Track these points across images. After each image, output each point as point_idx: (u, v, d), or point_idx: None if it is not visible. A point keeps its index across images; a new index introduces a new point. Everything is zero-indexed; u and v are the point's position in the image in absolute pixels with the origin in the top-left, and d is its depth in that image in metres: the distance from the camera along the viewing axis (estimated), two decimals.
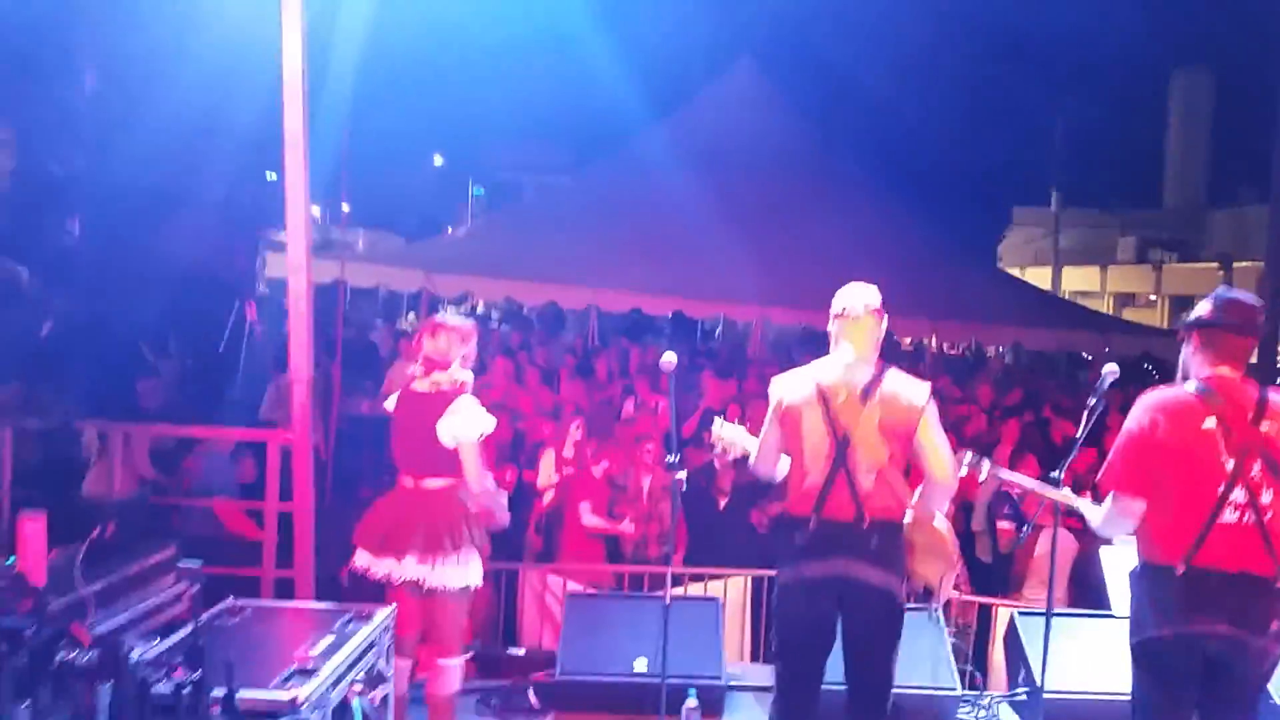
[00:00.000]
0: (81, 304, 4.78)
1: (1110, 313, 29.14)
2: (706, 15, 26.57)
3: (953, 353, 19.78)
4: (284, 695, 2.83)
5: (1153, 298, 34.39)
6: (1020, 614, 4.96)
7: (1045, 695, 4.24)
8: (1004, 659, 5.13)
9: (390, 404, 4.17)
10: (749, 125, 15.13)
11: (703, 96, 17.17)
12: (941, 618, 4.85)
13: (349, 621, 3.49)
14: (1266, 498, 3.15)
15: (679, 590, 5.57)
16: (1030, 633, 4.66)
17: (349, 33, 5.44)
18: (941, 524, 3.74)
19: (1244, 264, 24.04)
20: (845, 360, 3.65)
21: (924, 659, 4.58)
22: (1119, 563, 4.31)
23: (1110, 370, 3.86)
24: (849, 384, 3.59)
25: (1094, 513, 3.51)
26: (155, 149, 4.90)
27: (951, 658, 4.76)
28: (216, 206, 6.32)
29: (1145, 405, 3.30)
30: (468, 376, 4.08)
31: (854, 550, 3.53)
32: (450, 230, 31.02)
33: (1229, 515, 3.14)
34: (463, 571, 3.97)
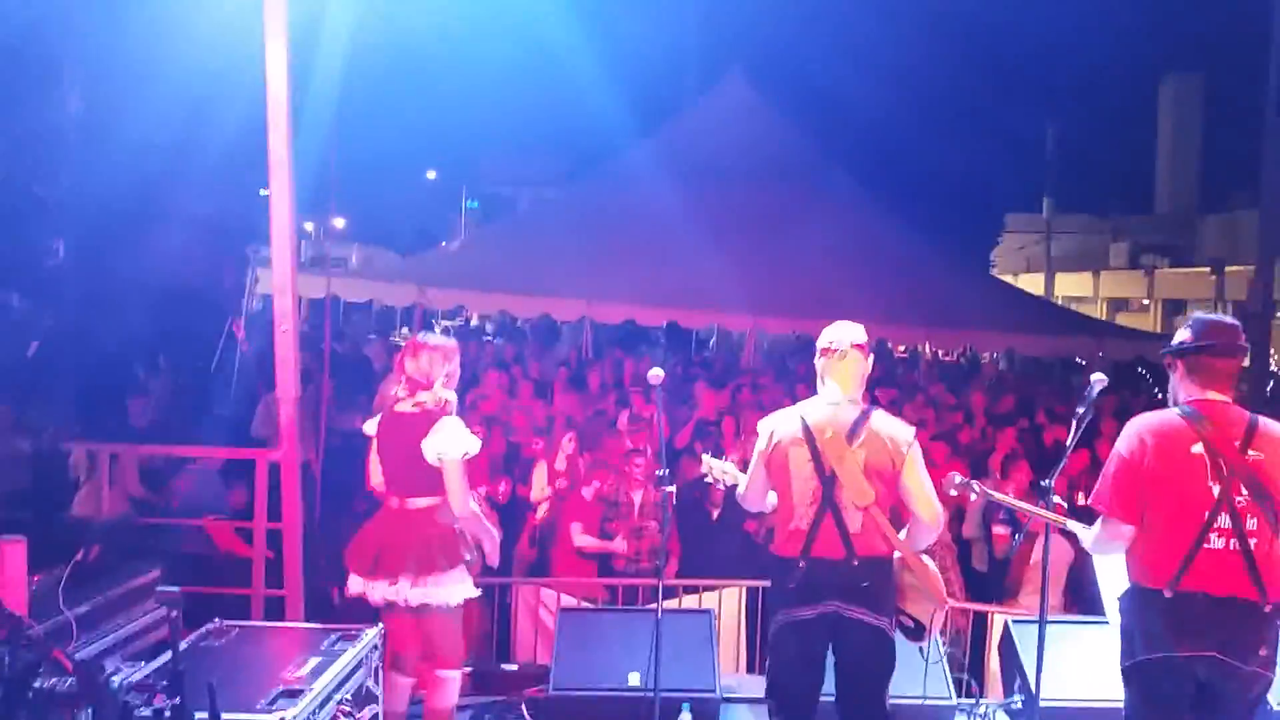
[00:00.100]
0: (68, 324, 4.76)
1: (1103, 318, 29.23)
2: (697, 29, 26.72)
3: (947, 359, 19.82)
4: (270, 718, 2.81)
5: (1146, 302, 34.54)
6: (1015, 621, 4.94)
7: (1041, 703, 4.21)
8: (999, 667, 5.11)
9: (370, 427, 4.13)
10: (741, 136, 15.17)
11: (694, 108, 17.24)
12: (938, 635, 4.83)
13: (336, 641, 3.48)
14: (1252, 524, 3.14)
15: (674, 603, 5.55)
16: (1025, 640, 4.64)
17: (340, 50, 5.45)
18: (930, 563, 3.74)
19: (1235, 268, 24.12)
20: (832, 399, 3.67)
21: (919, 668, 4.56)
22: (1112, 571, 4.29)
23: (1098, 379, 3.86)
24: (835, 423, 3.60)
25: (1086, 534, 3.52)
26: (140, 168, 4.90)
27: (947, 666, 4.74)
28: (203, 225, 6.31)
29: (1135, 429, 3.30)
30: (451, 396, 4.05)
31: (845, 589, 3.54)
32: (444, 244, 31.08)
33: (1215, 541, 3.15)
34: (457, 588, 3.95)
